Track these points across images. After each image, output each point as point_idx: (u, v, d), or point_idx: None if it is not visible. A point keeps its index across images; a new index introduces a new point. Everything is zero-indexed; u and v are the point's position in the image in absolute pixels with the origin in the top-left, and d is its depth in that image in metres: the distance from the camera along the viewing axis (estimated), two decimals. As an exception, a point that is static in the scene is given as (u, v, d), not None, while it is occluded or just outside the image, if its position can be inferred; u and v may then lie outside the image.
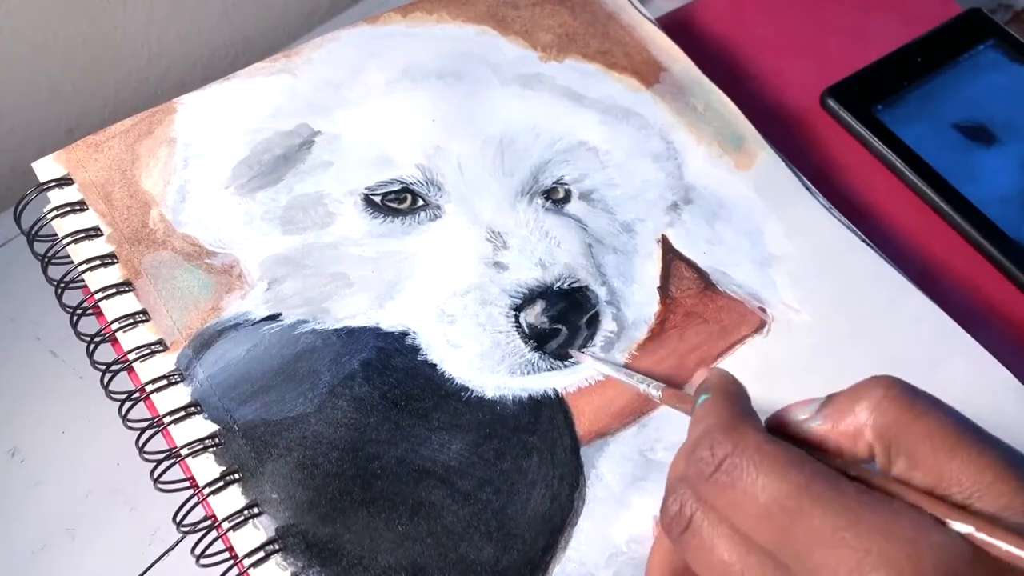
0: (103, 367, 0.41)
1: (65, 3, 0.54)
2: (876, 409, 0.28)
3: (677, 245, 0.46)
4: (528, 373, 0.42)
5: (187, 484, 0.39)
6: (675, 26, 0.56)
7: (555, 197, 0.47)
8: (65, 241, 0.43)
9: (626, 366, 0.42)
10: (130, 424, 0.40)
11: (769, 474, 0.27)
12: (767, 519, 0.27)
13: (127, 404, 0.40)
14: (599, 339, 0.43)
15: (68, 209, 0.44)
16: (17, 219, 0.44)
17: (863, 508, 0.26)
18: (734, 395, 0.31)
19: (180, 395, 0.40)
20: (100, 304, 0.42)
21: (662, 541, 0.34)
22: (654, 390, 0.39)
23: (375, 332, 0.42)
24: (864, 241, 0.47)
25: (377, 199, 0.45)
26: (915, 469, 0.28)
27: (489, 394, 0.41)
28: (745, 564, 0.28)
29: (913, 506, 0.27)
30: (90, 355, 0.42)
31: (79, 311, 0.42)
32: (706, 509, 0.29)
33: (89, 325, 0.42)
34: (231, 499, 0.38)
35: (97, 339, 0.42)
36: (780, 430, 0.31)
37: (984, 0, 0.60)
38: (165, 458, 0.39)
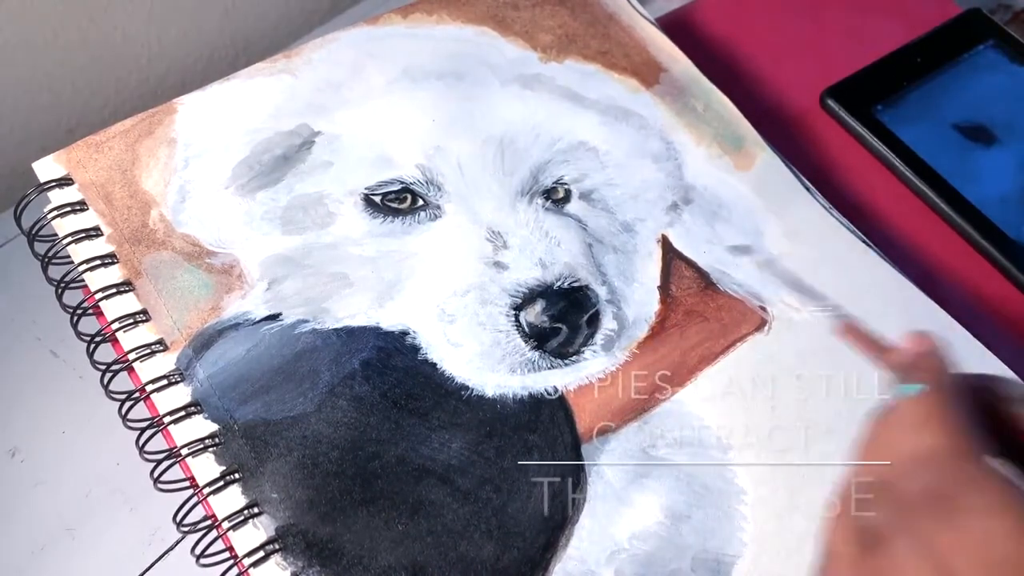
0: (103, 367, 0.41)
1: (65, 3, 0.54)
2: None
3: (677, 245, 0.46)
4: (528, 372, 0.42)
5: (187, 484, 0.39)
6: (675, 26, 0.56)
7: (555, 197, 0.47)
8: (65, 241, 0.43)
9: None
10: (130, 424, 0.40)
11: (1004, 519, 0.24)
12: (993, 569, 0.24)
13: (127, 404, 0.40)
14: (599, 338, 0.43)
15: (68, 209, 0.44)
16: (17, 219, 0.44)
17: None
18: (955, 394, 0.28)
19: (180, 395, 0.40)
20: (100, 304, 0.42)
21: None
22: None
23: (375, 332, 0.42)
24: (864, 241, 0.47)
25: (377, 199, 0.45)
26: None
27: (489, 393, 0.41)
28: None
29: None
30: (90, 355, 0.42)
31: (79, 311, 0.42)
32: (911, 536, 0.25)
33: (89, 325, 0.42)
34: (231, 499, 0.38)
35: (97, 339, 0.42)
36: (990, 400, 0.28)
37: (984, 0, 0.60)
38: (165, 458, 0.39)
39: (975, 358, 0.44)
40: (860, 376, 0.43)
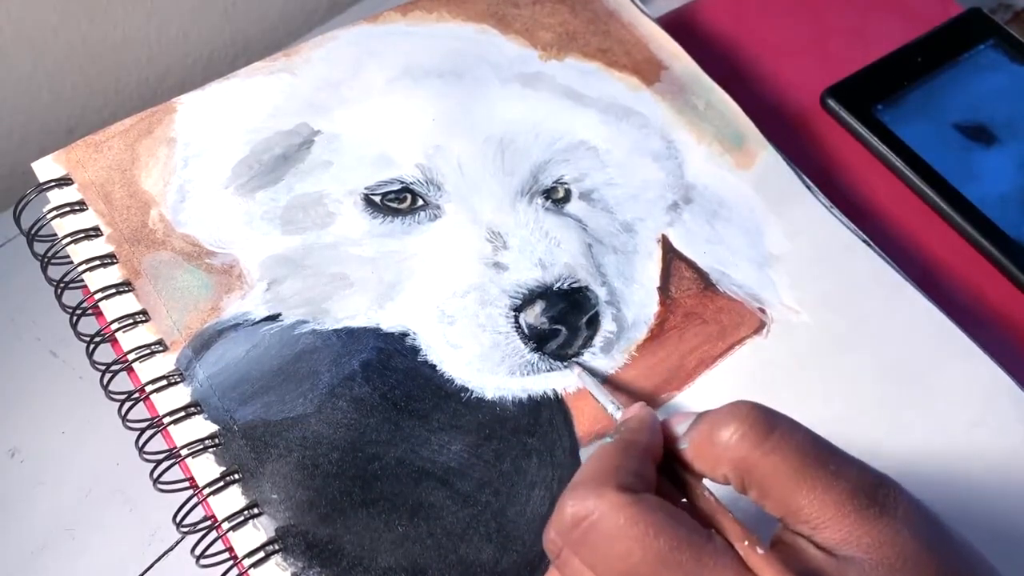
0: (103, 367, 0.41)
1: (65, 3, 0.54)
2: (731, 444, 0.30)
3: (677, 245, 0.46)
4: (528, 374, 0.42)
5: (187, 484, 0.39)
6: (676, 25, 0.56)
7: (555, 197, 0.46)
8: (65, 241, 0.43)
9: (610, 381, 0.42)
10: (130, 424, 0.40)
11: (628, 541, 0.28)
12: None
13: (127, 404, 0.40)
14: (599, 340, 0.43)
15: (68, 209, 0.44)
16: (17, 219, 0.44)
17: None
18: (630, 443, 0.32)
19: (180, 395, 0.40)
20: (100, 304, 0.42)
21: None
22: (616, 412, 0.39)
23: (375, 333, 0.42)
24: (864, 241, 0.47)
25: (377, 199, 0.45)
26: (765, 500, 0.29)
27: (489, 395, 0.41)
28: None
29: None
30: (90, 355, 0.42)
31: (79, 311, 0.42)
32: (571, 552, 0.30)
33: (89, 325, 0.42)
34: (231, 499, 0.38)
35: (97, 339, 0.42)
36: (667, 444, 0.32)
37: (984, 0, 0.60)
38: (165, 458, 0.39)
39: (972, 361, 0.44)
40: (859, 379, 0.43)
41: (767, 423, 0.30)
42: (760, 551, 0.28)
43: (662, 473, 0.32)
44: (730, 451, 0.29)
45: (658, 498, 0.30)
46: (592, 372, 0.42)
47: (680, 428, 0.32)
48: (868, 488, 0.28)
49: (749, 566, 0.28)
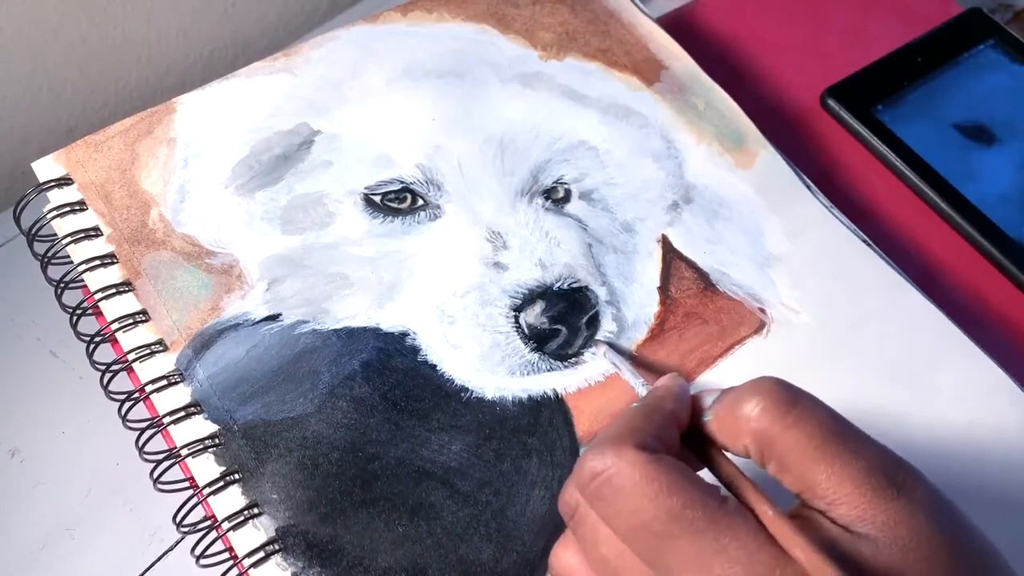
0: (103, 367, 0.41)
1: (65, 3, 0.54)
2: (753, 416, 0.30)
3: (677, 245, 0.46)
4: (528, 374, 0.42)
5: (187, 484, 0.39)
6: (676, 25, 0.56)
7: (555, 197, 0.46)
8: (65, 241, 0.43)
9: (634, 358, 0.43)
10: (130, 424, 0.40)
11: (642, 498, 0.29)
12: (639, 536, 0.29)
13: (127, 404, 0.40)
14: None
15: (68, 209, 0.44)
16: (17, 219, 0.44)
17: (730, 538, 0.28)
18: (654, 408, 0.33)
19: (180, 395, 0.40)
20: (100, 304, 0.42)
21: None
22: (641, 388, 0.39)
23: (375, 332, 0.42)
24: (864, 241, 0.47)
25: (377, 199, 0.45)
26: (784, 474, 0.30)
27: (489, 395, 0.41)
28: (620, 563, 0.30)
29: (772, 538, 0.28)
30: (90, 355, 0.42)
31: (79, 311, 0.42)
32: (588, 508, 0.31)
33: (89, 325, 0.42)
34: (231, 499, 0.38)
35: (97, 339, 0.42)
36: (693, 417, 0.33)
37: (984, 0, 0.60)
38: (165, 458, 0.39)
39: (972, 361, 0.44)
40: (859, 379, 0.43)
41: (789, 398, 0.30)
42: (777, 517, 0.28)
43: (688, 446, 0.32)
44: (751, 424, 0.30)
45: (675, 459, 0.30)
46: (618, 350, 0.42)
47: (707, 401, 0.32)
48: (887, 469, 0.29)
49: (767, 529, 0.28)
